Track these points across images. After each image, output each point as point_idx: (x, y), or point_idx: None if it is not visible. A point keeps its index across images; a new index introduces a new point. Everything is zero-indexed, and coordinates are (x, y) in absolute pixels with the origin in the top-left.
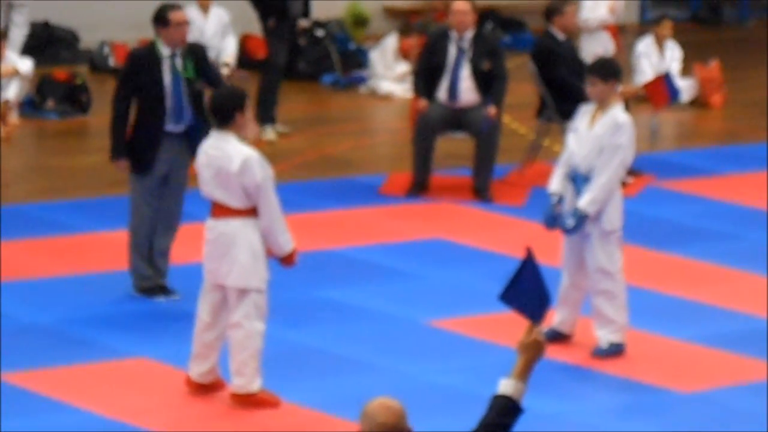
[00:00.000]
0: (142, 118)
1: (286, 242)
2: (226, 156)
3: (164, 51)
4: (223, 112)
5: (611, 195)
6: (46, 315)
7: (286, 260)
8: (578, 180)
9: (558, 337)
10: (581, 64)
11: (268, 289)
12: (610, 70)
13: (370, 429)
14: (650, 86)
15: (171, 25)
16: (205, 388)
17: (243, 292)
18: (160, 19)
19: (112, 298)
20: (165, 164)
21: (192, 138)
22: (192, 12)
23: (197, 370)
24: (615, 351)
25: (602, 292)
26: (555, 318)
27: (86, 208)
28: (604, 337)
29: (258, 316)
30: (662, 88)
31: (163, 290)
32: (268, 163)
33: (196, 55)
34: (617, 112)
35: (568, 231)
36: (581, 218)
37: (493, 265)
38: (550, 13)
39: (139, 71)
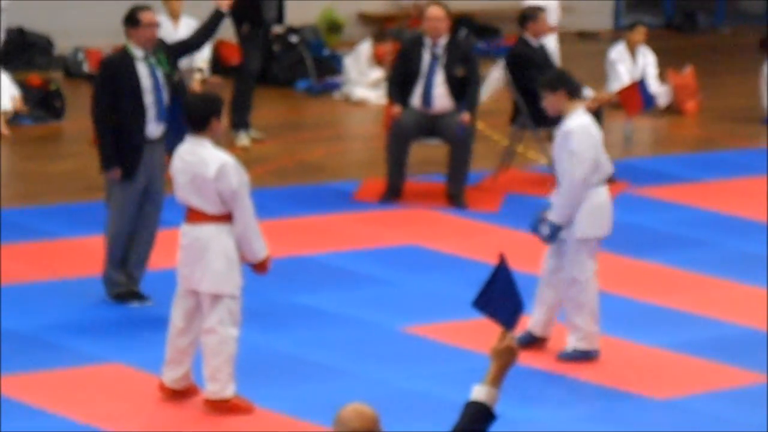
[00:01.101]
0: (124, 125)
1: (260, 249)
2: (202, 162)
3: (137, 53)
4: (198, 118)
5: (575, 202)
6: (20, 320)
7: (260, 267)
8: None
9: (533, 340)
10: (554, 69)
11: (241, 294)
12: (557, 81)
13: None
14: (624, 93)
15: (141, 25)
16: (179, 394)
17: (216, 298)
18: (131, 19)
19: (86, 303)
20: (146, 172)
21: (169, 143)
22: (162, 21)
23: (171, 375)
24: (579, 357)
25: (570, 299)
26: (530, 321)
27: (61, 213)
28: (571, 342)
29: (231, 322)
30: (636, 95)
31: (137, 296)
32: (244, 170)
33: (167, 50)
34: (569, 121)
35: (543, 240)
36: (552, 227)
37: (467, 271)
38: (524, 20)
39: (115, 77)
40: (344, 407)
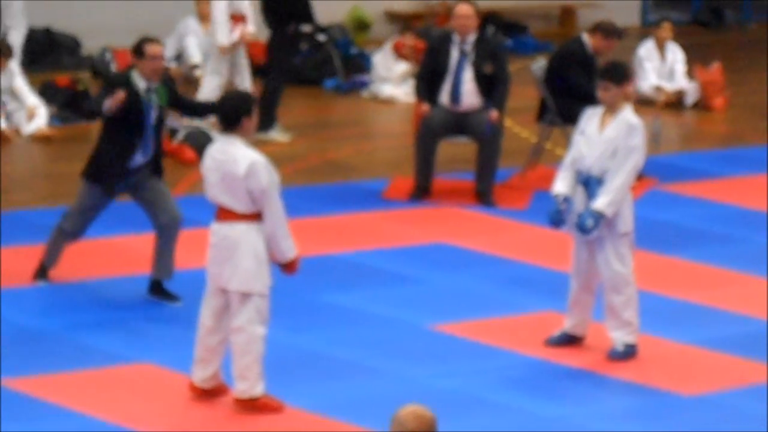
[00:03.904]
0: (113, 146)
1: (289, 249)
2: (233, 160)
3: (140, 84)
4: (230, 116)
5: (625, 195)
6: (49, 321)
7: (289, 267)
8: (592, 183)
9: (571, 340)
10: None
11: (271, 293)
12: (623, 74)
13: None
14: None
15: (146, 57)
16: (208, 393)
17: (245, 297)
18: (137, 50)
19: (115, 303)
20: (133, 193)
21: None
22: (191, 23)
23: (200, 375)
24: (630, 353)
25: (618, 294)
26: (567, 322)
27: None
28: (620, 338)
29: (260, 321)
30: None
31: (167, 295)
32: (274, 168)
33: (169, 85)
34: (629, 115)
35: (585, 231)
36: (598, 219)
37: (496, 268)
38: (608, 32)
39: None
40: (403, 408)
